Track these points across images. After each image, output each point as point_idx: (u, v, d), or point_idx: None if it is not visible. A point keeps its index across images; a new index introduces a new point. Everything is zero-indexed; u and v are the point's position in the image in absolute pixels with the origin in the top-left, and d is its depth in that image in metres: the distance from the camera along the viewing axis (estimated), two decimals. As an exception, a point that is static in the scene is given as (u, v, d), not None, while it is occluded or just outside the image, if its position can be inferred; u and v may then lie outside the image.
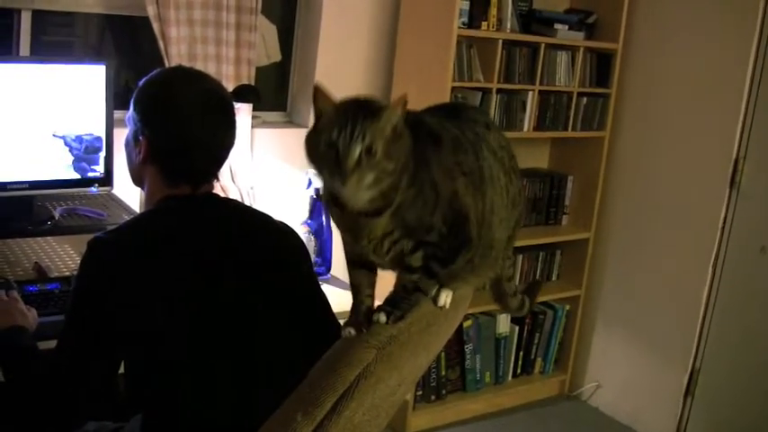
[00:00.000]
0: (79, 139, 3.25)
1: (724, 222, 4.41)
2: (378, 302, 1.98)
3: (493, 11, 4.29)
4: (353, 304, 1.98)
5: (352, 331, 1.91)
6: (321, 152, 1.74)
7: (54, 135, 3.20)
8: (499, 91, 4.40)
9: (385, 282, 2.01)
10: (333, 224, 1.97)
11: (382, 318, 1.89)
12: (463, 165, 1.90)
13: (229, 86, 3.68)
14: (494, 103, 4.37)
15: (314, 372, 1.89)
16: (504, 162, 2.02)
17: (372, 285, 1.99)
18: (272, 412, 1.94)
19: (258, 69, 3.97)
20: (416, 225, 1.83)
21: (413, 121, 1.83)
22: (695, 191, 4.52)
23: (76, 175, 3.28)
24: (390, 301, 1.92)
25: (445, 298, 2.02)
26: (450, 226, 1.86)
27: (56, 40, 3.93)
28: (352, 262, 1.99)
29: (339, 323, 2.07)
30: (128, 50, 4.11)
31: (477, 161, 1.93)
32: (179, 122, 2.22)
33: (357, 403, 1.84)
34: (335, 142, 1.71)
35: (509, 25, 4.38)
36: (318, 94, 1.80)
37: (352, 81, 4.21)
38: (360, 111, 1.73)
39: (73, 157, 3.25)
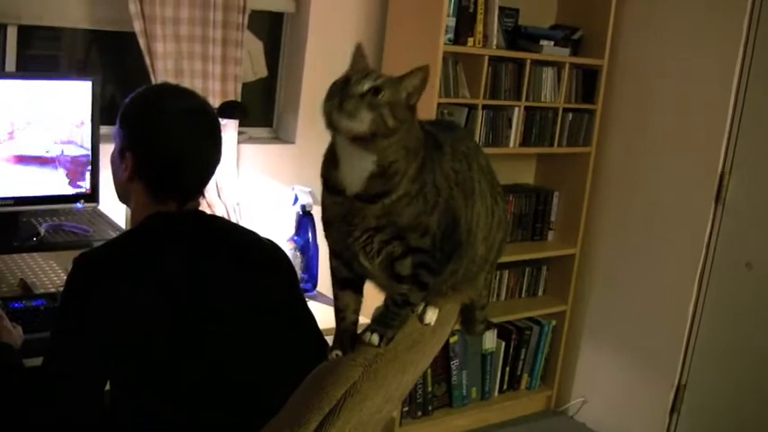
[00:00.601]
0: (65, 155, 3.24)
1: (709, 238, 4.43)
2: (363, 318, 1.99)
3: (479, 27, 4.30)
4: (338, 329, 1.97)
5: (339, 353, 1.91)
6: (334, 86, 1.78)
7: (40, 154, 3.19)
8: (485, 107, 4.41)
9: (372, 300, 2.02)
10: (321, 226, 1.94)
11: (374, 339, 1.89)
12: (458, 173, 1.92)
13: (216, 102, 3.68)
14: (480, 119, 4.38)
15: (300, 390, 1.89)
16: (493, 184, 2.04)
17: (357, 311, 1.99)
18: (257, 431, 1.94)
19: (244, 85, 3.96)
20: (411, 225, 1.83)
21: (425, 130, 1.88)
22: (681, 206, 4.53)
23: (62, 191, 3.27)
24: (380, 321, 1.91)
25: (431, 315, 2.02)
26: (444, 230, 1.87)
27: (42, 55, 3.92)
28: (340, 281, 1.99)
29: (326, 341, 2.08)
30: (114, 65, 4.10)
31: (469, 172, 1.95)
32: (165, 139, 2.22)
33: (343, 422, 1.84)
34: (350, 77, 1.76)
35: (495, 41, 4.38)
36: (358, 51, 1.88)
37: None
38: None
39: (58, 174, 3.24)
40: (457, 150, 1.96)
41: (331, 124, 1.77)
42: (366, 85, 1.75)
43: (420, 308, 1.99)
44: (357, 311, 1.99)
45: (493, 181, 2.05)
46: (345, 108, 1.73)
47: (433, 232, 1.85)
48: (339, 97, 1.74)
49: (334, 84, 1.78)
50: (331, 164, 1.85)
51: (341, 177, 1.83)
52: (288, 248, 3.56)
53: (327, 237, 1.96)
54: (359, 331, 1.96)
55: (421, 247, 1.86)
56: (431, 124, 1.98)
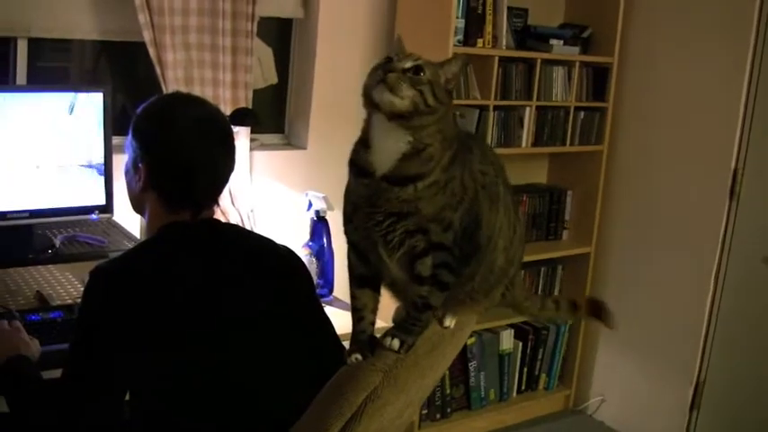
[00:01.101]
0: (76, 168, 3.25)
1: (725, 233, 4.41)
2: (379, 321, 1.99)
3: (488, 28, 4.30)
4: (355, 331, 1.97)
5: (359, 357, 1.91)
6: (376, 65, 1.84)
7: (51, 166, 3.20)
8: (496, 108, 4.41)
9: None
10: (342, 220, 1.98)
11: (395, 344, 1.89)
12: (486, 176, 1.95)
13: (227, 110, 3.68)
14: (491, 120, 4.37)
15: (321, 396, 1.89)
16: (515, 203, 2.08)
17: (375, 311, 1.99)
18: (279, 438, 1.94)
19: (255, 92, 3.97)
20: (435, 216, 1.84)
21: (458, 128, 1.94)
22: (695, 202, 4.52)
23: (76, 203, 3.27)
24: (401, 326, 1.91)
25: (450, 319, 2.02)
26: (465, 228, 1.87)
27: (52, 66, 3.93)
28: (357, 278, 1.99)
29: (343, 346, 2.07)
30: (125, 75, 4.11)
31: (495, 178, 1.99)
32: (178, 149, 2.22)
33: (364, 427, 1.84)
34: (392, 57, 1.83)
35: (504, 42, 4.38)
36: (398, 41, 1.97)
37: (350, 100, 4.19)
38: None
39: (71, 187, 3.25)
40: (486, 156, 2.00)
41: (371, 101, 1.82)
42: (408, 63, 1.80)
43: (440, 312, 1.99)
44: (375, 311, 1.99)
45: (515, 201, 2.08)
46: (388, 82, 1.77)
47: (455, 229, 1.86)
48: (382, 72, 1.78)
49: (376, 64, 1.84)
50: (361, 147, 1.88)
51: (371, 158, 1.85)
52: (303, 254, 3.55)
53: (347, 230, 1.98)
54: (377, 335, 1.96)
55: (443, 242, 1.86)
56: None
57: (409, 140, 1.81)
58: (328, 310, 2.59)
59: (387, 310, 2.07)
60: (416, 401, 2.17)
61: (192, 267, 2.19)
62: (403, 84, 1.77)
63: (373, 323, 1.98)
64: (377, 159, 1.84)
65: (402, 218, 1.84)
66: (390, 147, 1.82)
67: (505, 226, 1.99)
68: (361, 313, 1.97)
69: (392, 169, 1.82)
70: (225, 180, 2.33)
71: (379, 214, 1.86)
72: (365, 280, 1.98)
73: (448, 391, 4.67)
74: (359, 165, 1.87)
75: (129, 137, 2.30)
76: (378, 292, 2.00)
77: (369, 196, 1.86)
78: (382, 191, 1.84)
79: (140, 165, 2.25)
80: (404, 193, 1.82)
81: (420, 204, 1.82)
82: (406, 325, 1.91)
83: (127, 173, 2.34)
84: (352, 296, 1.99)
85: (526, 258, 4.63)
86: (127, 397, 2.16)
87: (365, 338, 1.95)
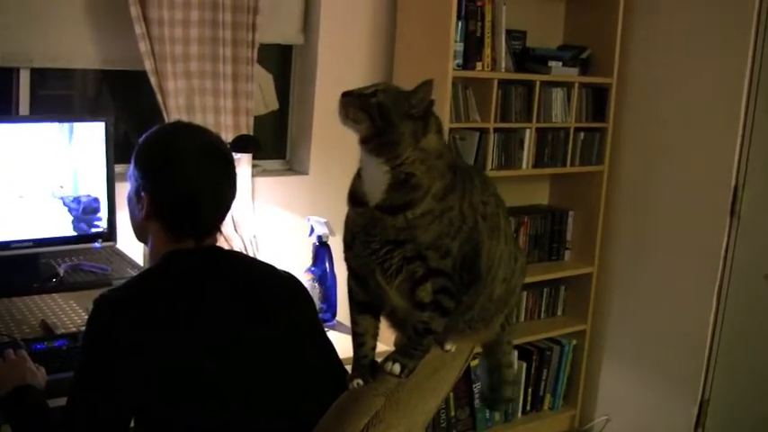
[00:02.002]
0: (77, 200, 3.27)
1: (726, 251, 4.42)
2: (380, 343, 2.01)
3: (487, 51, 4.33)
4: (357, 356, 2.00)
5: (360, 382, 1.92)
6: None
7: (53, 196, 3.22)
8: (496, 130, 4.43)
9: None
10: (342, 248, 2.03)
11: (396, 369, 1.91)
12: (487, 206, 1.99)
13: (228, 137, 3.69)
14: (491, 142, 4.39)
15: (324, 421, 1.91)
16: (514, 237, 2.11)
17: (376, 336, 2.02)
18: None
19: (256, 118, 3.99)
20: (432, 244, 1.87)
21: (458, 159, 2.02)
22: (696, 221, 4.53)
23: (80, 231, 3.29)
24: (403, 351, 1.93)
25: (452, 343, 2.03)
26: (464, 257, 1.90)
27: (55, 95, 3.95)
28: (358, 304, 2.01)
29: (347, 370, 2.09)
30: (127, 104, 4.13)
31: (497, 209, 2.03)
32: (181, 177, 2.24)
33: (368, 451, 1.85)
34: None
35: (504, 64, 4.40)
36: None
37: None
38: None
39: (72, 218, 3.27)
40: (487, 187, 2.04)
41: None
42: (368, 90, 1.89)
43: (441, 337, 2.01)
44: (375, 337, 2.02)
45: (513, 235, 2.12)
46: (342, 105, 1.88)
47: (454, 256, 1.88)
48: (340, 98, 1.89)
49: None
50: (357, 177, 1.95)
51: (364, 188, 1.91)
52: (306, 280, 3.57)
53: (347, 256, 2.02)
54: (378, 359, 1.97)
55: (441, 269, 1.89)
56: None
57: (387, 170, 1.87)
58: (332, 334, 2.60)
59: (389, 334, 2.09)
60: (420, 425, 2.18)
61: (196, 294, 2.20)
62: (352, 107, 1.87)
63: (374, 348, 2.01)
64: (368, 190, 1.90)
65: (399, 245, 1.88)
66: (375, 176, 1.89)
67: (506, 256, 2.02)
68: (362, 339, 2.00)
69: (382, 199, 1.88)
70: (227, 208, 2.34)
71: (375, 242, 1.91)
72: (365, 306, 2.00)
73: (453, 414, 4.67)
74: (355, 195, 1.93)
75: (132, 166, 2.31)
76: (378, 319, 2.03)
77: (365, 225, 1.92)
78: (377, 220, 1.89)
79: (143, 194, 2.26)
80: (397, 222, 1.86)
81: (415, 233, 1.86)
82: (407, 350, 1.93)
83: (129, 201, 2.35)
84: (353, 322, 2.01)
85: (529, 279, 4.69)
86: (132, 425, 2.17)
87: (367, 363, 1.97)
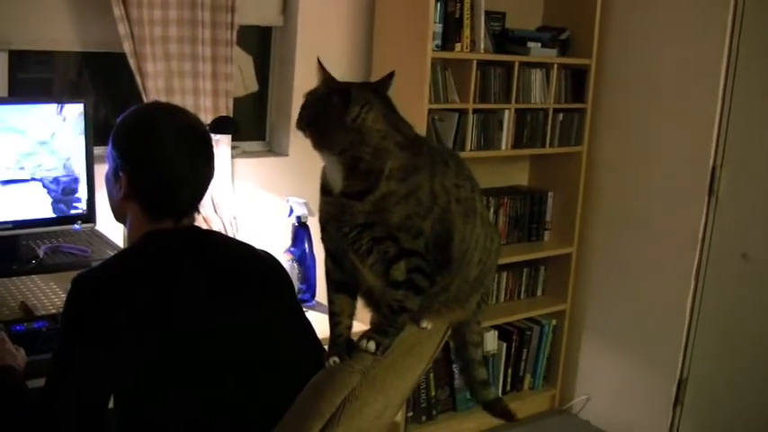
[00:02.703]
0: (56, 180, 3.27)
1: (704, 231, 4.45)
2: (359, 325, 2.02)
3: (466, 32, 4.33)
4: (333, 335, 2.02)
5: (337, 360, 1.94)
6: None
7: (32, 178, 3.21)
8: (476, 111, 4.44)
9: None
10: (319, 230, 2.05)
11: (371, 346, 1.92)
12: (461, 190, 2.00)
13: (207, 118, 3.70)
14: (471, 124, 4.40)
15: (300, 398, 1.92)
16: (489, 221, 2.13)
17: (352, 315, 2.04)
18: (260, 441, 1.96)
19: (236, 100, 3.99)
20: (402, 225, 1.89)
21: (425, 141, 2.05)
22: (675, 200, 4.56)
23: (59, 213, 3.29)
24: (377, 329, 1.95)
25: (428, 321, 2.05)
26: (436, 239, 1.92)
27: (34, 78, 3.95)
28: (334, 283, 2.04)
29: (325, 349, 2.10)
30: (106, 86, 4.12)
31: (472, 193, 2.04)
32: (158, 158, 2.24)
33: (344, 428, 1.86)
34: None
35: (483, 45, 4.41)
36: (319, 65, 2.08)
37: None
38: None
39: (51, 199, 3.27)
40: (463, 170, 2.06)
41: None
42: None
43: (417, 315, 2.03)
44: (352, 316, 2.04)
45: (489, 216, 2.15)
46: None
47: (426, 236, 1.90)
48: None
49: None
50: (324, 168, 2.00)
51: (327, 177, 1.97)
52: (285, 260, 3.58)
53: (322, 237, 2.05)
54: (356, 338, 1.99)
55: (414, 249, 1.91)
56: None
57: (335, 159, 1.94)
58: (311, 314, 2.61)
59: (365, 314, 2.10)
60: (397, 402, 2.19)
61: (174, 275, 2.20)
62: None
63: (350, 327, 2.03)
64: (331, 179, 1.96)
65: (368, 227, 1.92)
66: (330, 166, 1.96)
67: (482, 238, 2.04)
68: (338, 318, 2.02)
69: (344, 186, 1.92)
70: (205, 188, 2.34)
71: (346, 227, 1.94)
72: (341, 285, 2.03)
73: (433, 394, 4.70)
74: (323, 185, 1.99)
75: (109, 146, 2.31)
76: (354, 299, 2.06)
77: (335, 213, 1.96)
78: (345, 206, 1.93)
79: (121, 174, 2.26)
80: (364, 206, 1.90)
81: (383, 215, 1.89)
82: (381, 327, 1.95)
83: (107, 182, 2.35)
84: (330, 301, 2.04)
85: (509, 260, 4.74)
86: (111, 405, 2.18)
87: (342, 342, 1.99)
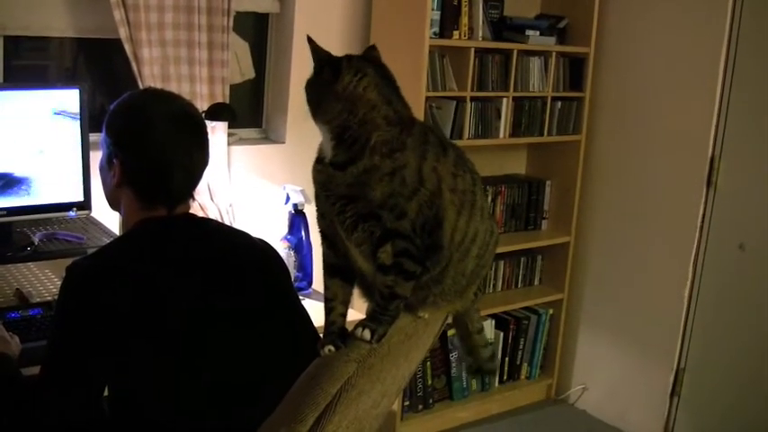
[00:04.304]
0: (55, 163, 3.25)
1: (702, 221, 4.44)
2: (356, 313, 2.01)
3: (464, 19, 4.31)
4: (327, 322, 2.00)
5: (332, 348, 1.93)
6: None
7: (36, 161, 3.19)
8: (473, 99, 4.42)
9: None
10: (316, 212, 2.06)
11: (366, 334, 1.91)
12: (458, 180, 1.98)
13: (204, 105, 3.68)
14: (468, 112, 4.39)
15: (296, 387, 1.91)
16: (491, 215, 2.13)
17: (346, 302, 2.03)
18: (255, 430, 1.95)
19: (232, 87, 3.97)
20: (384, 203, 1.89)
21: (422, 124, 2.03)
22: (673, 191, 4.55)
23: (54, 200, 3.27)
24: (372, 317, 1.94)
25: (424, 310, 2.04)
26: (423, 223, 1.90)
27: (29, 65, 3.93)
28: (329, 267, 2.03)
29: (320, 337, 2.09)
30: (102, 72, 4.11)
31: (473, 186, 2.02)
32: (152, 145, 2.23)
33: (340, 417, 1.85)
34: None
35: (481, 33, 4.39)
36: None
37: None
38: None
39: (51, 182, 3.24)
40: (463, 162, 2.03)
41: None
42: None
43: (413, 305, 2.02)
44: (346, 303, 2.03)
45: (489, 212, 2.15)
46: None
47: (412, 219, 1.89)
48: None
49: None
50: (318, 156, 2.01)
51: (323, 146, 1.99)
52: (281, 248, 3.57)
53: (318, 219, 2.05)
54: (351, 327, 1.97)
55: (398, 230, 1.90)
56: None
57: (326, 128, 1.95)
58: (307, 302, 2.61)
59: (361, 303, 2.09)
60: (393, 391, 2.19)
61: (169, 262, 2.20)
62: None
63: (344, 315, 2.01)
64: (324, 147, 1.97)
65: (351, 201, 1.92)
66: (323, 135, 1.97)
67: (482, 233, 2.03)
68: (332, 303, 2.01)
69: (333, 155, 1.93)
70: (200, 175, 2.33)
71: (332, 197, 1.94)
72: (336, 270, 2.02)
73: (429, 382, 4.69)
74: (319, 152, 2.00)
75: (103, 133, 2.30)
76: (349, 284, 2.04)
77: (323, 182, 1.97)
78: (331, 176, 1.94)
79: (114, 161, 2.26)
80: (346, 178, 1.91)
81: (365, 189, 1.89)
82: (375, 315, 1.93)
83: (101, 169, 2.34)
84: (324, 287, 2.04)
85: (506, 249, 4.73)
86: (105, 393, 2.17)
87: (336, 329, 1.98)
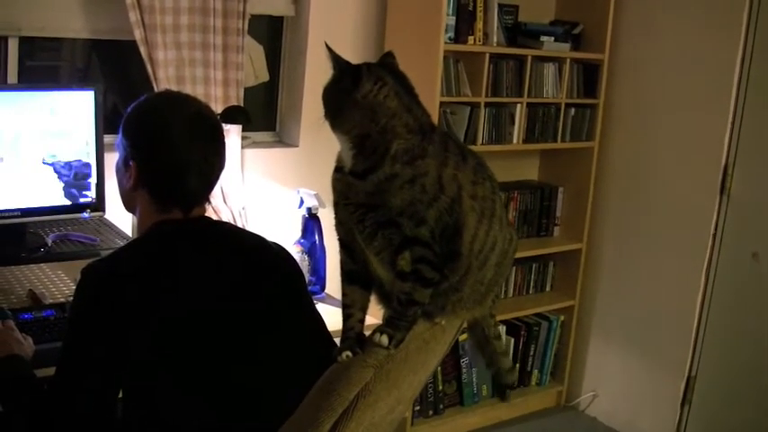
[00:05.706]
0: (68, 165, 3.24)
1: (715, 229, 4.43)
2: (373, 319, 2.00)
3: (479, 25, 4.31)
4: (345, 328, 2.00)
5: (350, 354, 1.92)
6: None
7: (43, 162, 3.19)
8: (487, 104, 4.41)
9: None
10: (333, 218, 2.05)
11: (384, 340, 1.90)
12: (477, 187, 1.98)
13: (218, 108, 3.68)
14: (482, 117, 4.38)
15: (312, 392, 1.90)
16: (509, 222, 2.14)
17: (364, 309, 2.02)
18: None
19: (246, 90, 3.97)
20: (404, 210, 1.88)
21: (442, 131, 2.04)
22: (686, 198, 4.54)
23: (68, 202, 3.27)
24: (389, 322, 1.93)
25: (441, 317, 2.03)
26: (443, 230, 1.90)
27: (44, 65, 3.93)
28: (347, 274, 2.03)
29: (335, 343, 2.08)
30: (116, 74, 4.11)
31: (492, 194, 2.02)
32: (168, 147, 2.23)
33: (356, 423, 1.85)
34: None
35: (495, 39, 4.39)
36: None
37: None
38: None
39: (63, 184, 3.24)
40: (484, 169, 2.04)
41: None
42: None
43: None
44: (364, 310, 2.02)
45: (507, 220, 2.15)
46: None
47: (431, 226, 1.89)
48: None
49: None
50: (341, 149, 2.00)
51: (342, 155, 1.97)
52: (295, 251, 3.56)
53: (336, 226, 2.04)
54: (368, 332, 1.97)
55: (418, 237, 1.89)
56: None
57: (345, 138, 1.94)
58: (320, 307, 2.59)
59: (377, 309, 2.08)
60: (408, 397, 2.18)
61: (184, 264, 2.19)
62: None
63: (362, 321, 2.01)
64: (343, 156, 1.96)
65: (371, 209, 1.92)
66: (342, 145, 1.96)
67: (500, 241, 2.03)
68: (350, 310, 2.00)
69: (352, 164, 1.93)
70: (216, 178, 2.33)
71: (351, 206, 1.95)
72: (354, 277, 2.02)
73: (440, 388, 4.68)
74: (338, 161, 1.99)
75: (120, 135, 2.30)
76: (368, 291, 2.03)
77: (342, 190, 1.97)
78: (350, 185, 1.94)
79: (131, 163, 2.25)
80: (366, 186, 1.91)
81: (385, 197, 1.89)
82: (392, 321, 1.93)
83: (118, 171, 2.34)
84: (342, 293, 2.03)
85: (518, 255, 4.64)
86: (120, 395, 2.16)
87: (353, 336, 1.97)
